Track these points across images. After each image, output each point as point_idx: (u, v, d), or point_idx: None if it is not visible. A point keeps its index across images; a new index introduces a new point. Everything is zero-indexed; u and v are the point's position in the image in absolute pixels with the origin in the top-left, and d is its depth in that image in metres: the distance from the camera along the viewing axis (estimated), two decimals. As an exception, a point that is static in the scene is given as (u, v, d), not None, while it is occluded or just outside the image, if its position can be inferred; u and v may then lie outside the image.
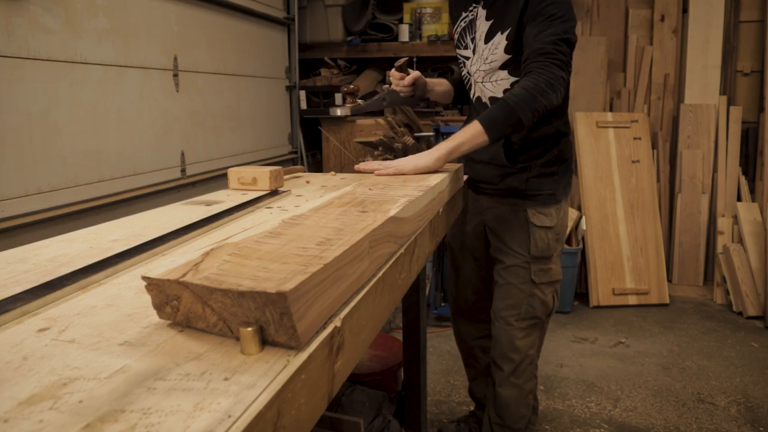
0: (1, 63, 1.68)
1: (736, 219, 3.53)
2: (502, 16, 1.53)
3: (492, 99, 1.63)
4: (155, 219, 1.15)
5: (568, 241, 3.38)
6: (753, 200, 3.59)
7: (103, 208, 2.09)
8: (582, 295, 3.55)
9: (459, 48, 1.71)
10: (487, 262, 1.83)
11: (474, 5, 1.61)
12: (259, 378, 0.50)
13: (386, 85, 1.72)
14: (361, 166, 1.42)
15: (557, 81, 1.38)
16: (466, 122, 1.78)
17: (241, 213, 1.18)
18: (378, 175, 1.35)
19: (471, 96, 1.73)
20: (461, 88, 1.81)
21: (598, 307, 3.42)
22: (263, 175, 1.43)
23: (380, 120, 3.41)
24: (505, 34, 1.52)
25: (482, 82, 1.63)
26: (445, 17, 3.96)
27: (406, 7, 4.06)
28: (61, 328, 0.61)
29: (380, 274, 0.79)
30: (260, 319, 0.55)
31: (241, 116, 3.16)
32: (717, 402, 2.38)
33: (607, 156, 3.60)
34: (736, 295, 3.34)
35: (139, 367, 0.52)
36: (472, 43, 1.64)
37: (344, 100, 1.71)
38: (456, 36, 1.71)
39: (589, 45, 3.82)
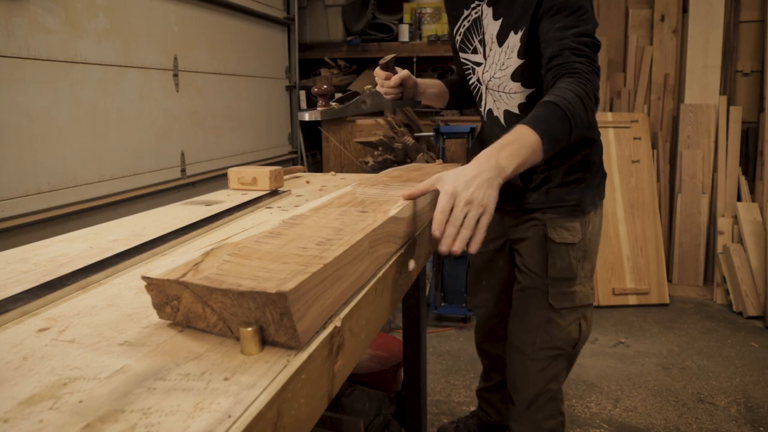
0: (1, 63, 1.68)
1: (736, 219, 3.53)
2: (511, 14, 1.32)
3: (507, 114, 1.43)
4: (155, 219, 1.15)
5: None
6: (753, 200, 3.59)
7: (103, 208, 2.09)
8: (582, 295, 3.54)
9: (464, 52, 1.48)
10: (510, 283, 1.64)
11: (477, 2, 1.41)
12: (259, 378, 0.50)
13: (368, 86, 1.51)
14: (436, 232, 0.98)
15: (596, 93, 1.17)
16: (477, 139, 1.64)
17: (241, 213, 1.18)
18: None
19: (481, 107, 1.51)
20: (458, 91, 1.63)
21: (598, 307, 3.42)
22: (263, 175, 1.43)
23: (380, 120, 3.41)
24: (519, 35, 1.31)
25: (497, 92, 1.42)
26: (446, 17, 3.96)
27: (406, 7, 4.06)
28: (61, 328, 0.61)
29: (380, 274, 0.79)
30: (260, 319, 0.55)
31: (241, 116, 3.16)
32: (717, 402, 2.38)
33: (607, 156, 3.60)
34: (736, 295, 3.34)
35: (139, 367, 0.52)
36: (482, 46, 1.42)
37: (315, 102, 1.49)
38: (458, 38, 1.49)
39: (589, 45, 3.82)
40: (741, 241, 3.44)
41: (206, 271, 0.59)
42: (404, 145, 3.18)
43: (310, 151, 4.15)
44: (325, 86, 1.52)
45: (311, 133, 4.11)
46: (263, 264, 0.61)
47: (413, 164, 1.79)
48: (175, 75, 2.54)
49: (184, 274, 0.59)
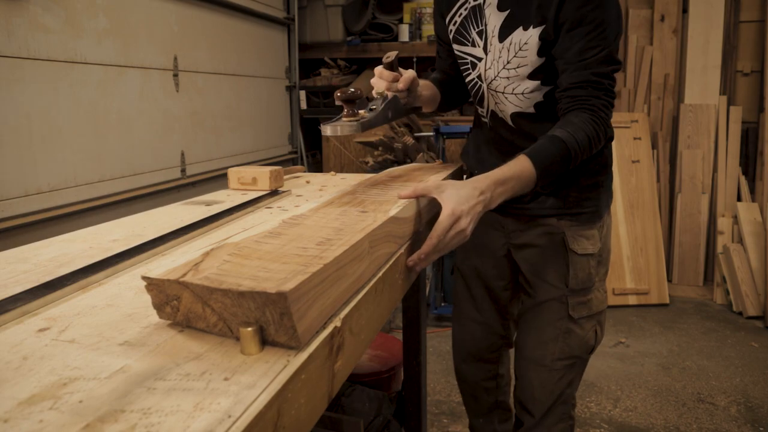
0: (1, 63, 1.68)
1: (736, 219, 3.53)
2: (522, 6, 1.19)
3: (517, 115, 1.30)
4: (155, 219, 1.15)
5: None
6: (753, 200, 3.59)
7: (103, 208, 2.09)
8: (582, 295, 3.54)
9: (461, 44, 1.34)
10: (502, 293, 1.52)
11: None
12: (259, 378, 0.50)
13: (379, 91, 1.22)
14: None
15: (606, 126, 1.16)
16: (471, 137, 1.51)
17: (241, 213, 1.18)
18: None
19: (483, 108, 1.38)
20: (448, 90, 1.48)
21: (598, 307, 3.41)
22: (263, 175, 1.43)
23: (380, 120, 3.41)
24: (537, 31, 1.18)
25: (503, 93, 1.29)
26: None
27: (406, 7, 4.06)
28: (61, 328, 0.61)
29: (380, 274, 0.79)
30: (260, 319, 0.55)
31: (241, 116, 3.16)
32: (717, 402, 2.38)
33: (607, 156, 3.60)
34: (736, 295, 3.34)
35: (139, 367, 0.52)
36: (481, 38, 1.28)
37: (341, 110, 1.14)
38: (453, 28, 1.34)
39: (589, 45, 3.82)
40: (741, 241, 3.44)
41: (206, 271, 0.59)
42: (404, 145, 3.18)
43: (310, 151, 4.15)
44: (351, 90, 1.13)
45: (311, 133, 4.11)
46: (263, 264, 0.61)
47: (413, 164, 1.78)
48: (175, 75, 2.54)
49: (184, 274, 0.59)
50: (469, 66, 1.34)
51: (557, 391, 1.38)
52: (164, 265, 0.64)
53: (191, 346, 0.57)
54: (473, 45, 1.31)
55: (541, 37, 1.18)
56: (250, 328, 0.54)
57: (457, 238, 0.95)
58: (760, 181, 3.58)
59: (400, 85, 1.23)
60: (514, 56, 1.22)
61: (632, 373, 2.62)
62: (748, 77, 3.78)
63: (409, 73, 1.25)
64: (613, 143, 3.70)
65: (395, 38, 4.06)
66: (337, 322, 0.62)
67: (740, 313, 3.30)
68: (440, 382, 2.55)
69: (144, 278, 0.61)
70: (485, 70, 1.30)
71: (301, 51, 3.90)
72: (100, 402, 0.46)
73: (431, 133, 3.23)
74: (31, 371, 0.52)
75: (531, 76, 1.23)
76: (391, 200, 0.97)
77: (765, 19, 3.66)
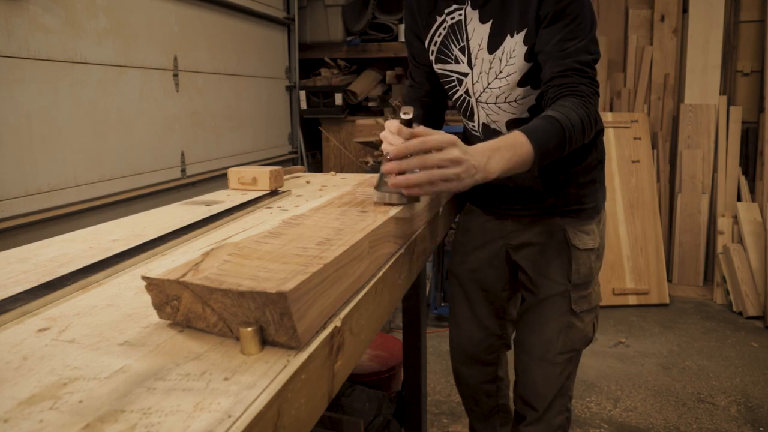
0: (1, 63, 1.68)
1: (736, 219, 3.53)
2: (505, 15, 1.20)
3: (513, 122, 1.29)
4: (155, 219, 1.15)
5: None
6: (753, 200, 3.59)
7: (103, 208, 2.09)
8: (582, 295, 3.55)
9: (443, 63, 1.33)
10: (500, 294, 1.53)
11: (456, 6, 1.26)
12: (259, 378, 0.50)
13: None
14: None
15: (597, 115, 1.15)
16: None
17: (241, 213, 1.18)
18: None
19: (473, 122, 1.36)
20: (429, 112, 1.47)
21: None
22: (263, 175, 1.43)
23: (380, 120, 3.42)
24: (521, 36, 1.19)
25: (495, 103, 1.29)
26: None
27: (406, 7, 4.06)
28: (61, 328, 0.61)
29: (380, 274, 0.79)
30: (260, 319, 0.55)
31: (241, 116, 3.16)
32: (717, 402, 2.38)
33: (607, 156, 3.60)
34: (736, 295, 3.34)
35: (139, 367, 0.52)
36: (464, 54, 1.28)
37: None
38: (434, 49, 1.33)
39: (589, 45, 3.83)
40: (741, 241, 3.44)
41: (206, 271, 0.59)
42: (404, 145, 3.18)
43: (310, 151, 4.15)
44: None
45: (311, 133, 4.11)
46: (263, 264, 0.61)
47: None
48: (175, 75, 2.54)
49: (184, 274, 0.59)
50: (456, 83, 1.33)
51: (558, 385, 1.41)
52: (164, 265, 0.64)
53: (191, 346, 0.57)
54: (456, 62, 1.31)
55: (526, 42, 1.19)
56: (250, 328, 0.54)
57: (450, 169, 0.85)
58: (760, 181, 3.58)
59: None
60: (506, 65, 1.23)
61: (632, 373, 2.62)
62: (748, 77, 3.78)
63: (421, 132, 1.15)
64: (613, 143, 3.71)
65: (395, 38, 4.06)
66: (337, 322, 0.62)
67: (740, 313, 3.30)
68: (440, 382, 2.55)
69: (144, 278, 0.61)
70: (473, 85, 1.30)
71: (301, 51, 3.90)
72: (100, 402, 0.46)
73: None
74: (31, 371, 0.52)
75: (521, 83, 1.24)
76: (391, 200, 0.97)
77: (765, 19, 3.66)
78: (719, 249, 3.53)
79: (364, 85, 4.00)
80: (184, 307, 0.60)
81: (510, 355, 1.57)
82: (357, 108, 4.02)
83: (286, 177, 1.60)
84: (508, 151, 0.96)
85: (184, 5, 2.58)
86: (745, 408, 2.33)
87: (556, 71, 1.14)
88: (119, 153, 2.20)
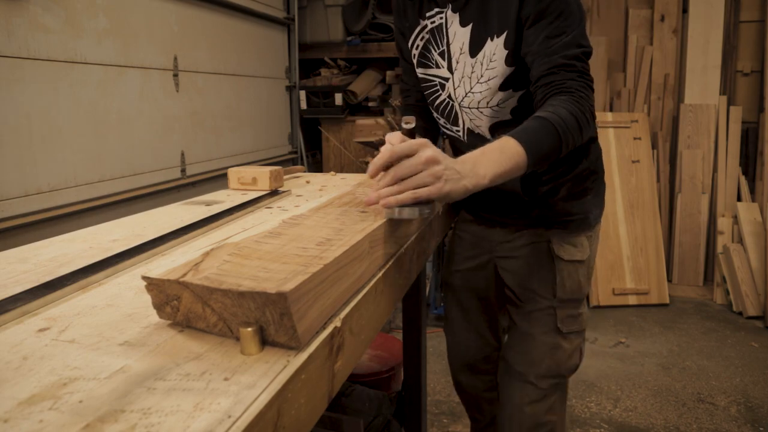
0: (1, 63, 1.68)
1: (736, 219, 3.53)
2: (485, 18, 1.17)
3: (495, 126, 1.25)
4: (155, 219, 1.15)
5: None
6: (753, 200, 3.59)
7: (103, 208, 2.09)
8: (582, 295, 3.55)
9: (425, 67, 1.30)
10: (494, 304, 1.51)
11: (437, 10, 1.23)
12: (259, 378, 0.50)
13: (407, 120, 1.04)
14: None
15: (592, 110, 1.09)
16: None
17: (241, 213, 1.18)
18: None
19: (458, 127, 1.32)
20: (425, 116, 1.45)
21: (598, 307, 3.42)
22: (263, 175, 1.43)
23: (380, 120, 3.41)
24: (501, 39, 1.15)
25: (477, 108, 1.25)
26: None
27: (406, 7, 4.06)
28: (61, 328, 0.61)
29: (380, 274, 0.79)
30: (260, 319, 0.55)
31: (241, 116, 3.16)
32: (717, 402, 2.38)
33: (607, 156, 3.60)
34: (736, 295, 3.34)
35: (139, 367, 0.52)
36: (444, 58, 1.26)
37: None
38: (416, 52, 1.31)
39: (589, 45, 3.83)
40: (741, 241, 3.44)
41: (206, 271, 0.59)
42: (404, 145, 3.18)
43: (310, 151, 4.15)
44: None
45: (311, 133, 4.11)
46: (263, 264, 0.61)
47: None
48: (175, 75, 2.54)
49: (184, 274, 0.59)
50: (438, 87, 1.30)
51: (538, 415, 1.31)
52: (164, 265, 0.64)
53: (191, 346, 0.57)
54: (437, 66, 1.28)
55: (506, 46, 1.15)
56: (250, 328, 0.54)
57: (426, 171, 0.81)
58: (760, 181, 3.58)
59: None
60: (487, 69, 1.19)
61: (632, 373, 2.62)
62: (748, 77, 3.78)
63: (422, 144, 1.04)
64: (613, 143, 3.71)
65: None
66: (337, 322, 0.62)
67: (740, 313, 3.30)
68: (440, 382, 2.55)
69: (144, 278, 0.61)
70: (454, 89, 1.26)
71: (301, 51, 3.90)
72: (100, 402, 0.46)
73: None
74: (31, 371, 0.52)
75: (502, 87, 1.20)
76: (391, 200, 0.97)
77: (765, 19, 3.66)
78: (719, 249, 3.53)
79: (364, 85, 4.00)
80: (184, 307, 0.60)
81: None
82: (357, 108, 4.02)
83: (286, 177, 1.61)
84: (495, 154, 0.91)
85: (184, 5, 2.58)
86: (745, 408, 2.33)
87: (543, 70, 1.09)
88: (119, 153, 2.20)
